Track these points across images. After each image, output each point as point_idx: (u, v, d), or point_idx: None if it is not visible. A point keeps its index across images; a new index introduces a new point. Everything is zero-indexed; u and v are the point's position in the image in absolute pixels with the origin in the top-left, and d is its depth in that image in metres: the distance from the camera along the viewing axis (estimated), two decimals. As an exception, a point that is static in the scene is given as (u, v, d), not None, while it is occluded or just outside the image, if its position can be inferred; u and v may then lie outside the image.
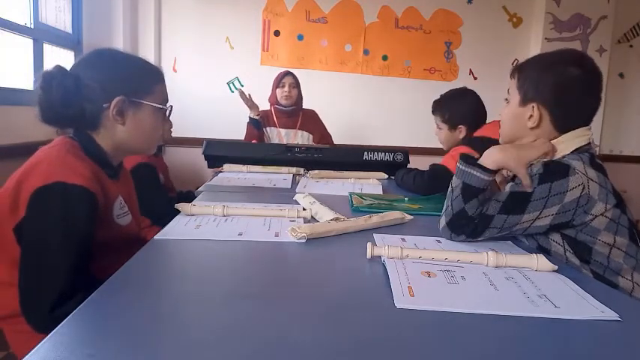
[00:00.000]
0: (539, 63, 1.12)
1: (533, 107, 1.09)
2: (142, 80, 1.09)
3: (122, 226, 1.07)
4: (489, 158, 1.04)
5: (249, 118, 2.67)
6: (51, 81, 0.98)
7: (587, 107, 1.10)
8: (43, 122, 1.00)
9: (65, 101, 0.98)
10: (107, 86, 1.02)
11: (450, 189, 1.07)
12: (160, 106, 1.11)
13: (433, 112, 2.00)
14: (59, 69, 1.00)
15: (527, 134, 1.12)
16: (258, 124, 2.66)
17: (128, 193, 1.17)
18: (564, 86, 1.07)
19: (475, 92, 1.93)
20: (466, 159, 1.05)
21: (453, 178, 1.07)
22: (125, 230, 1.08)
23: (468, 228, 1.03)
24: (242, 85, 3.42)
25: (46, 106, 0.99)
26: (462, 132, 1.89)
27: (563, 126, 1.08)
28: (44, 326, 0.89)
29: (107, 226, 1.02)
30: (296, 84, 2.71)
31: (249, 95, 2.67)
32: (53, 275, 0.91)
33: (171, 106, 1.17)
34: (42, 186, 0.92)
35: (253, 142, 2.62)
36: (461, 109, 1.89)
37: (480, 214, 1.02)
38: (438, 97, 2.00)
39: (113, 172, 1.09)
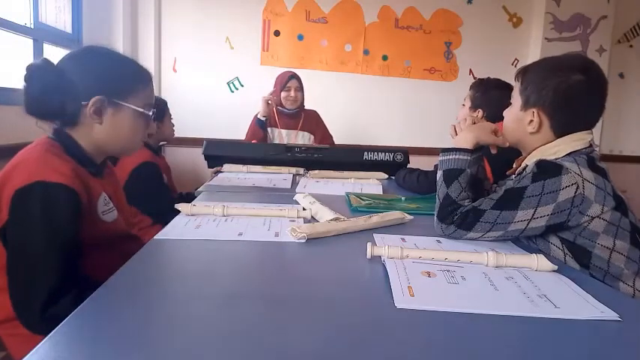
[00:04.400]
0: (543, 68, 1.12)
1: (533, 113, 1.10)
2: (126, 81, 1.07)
3: (108, 223, 1.06)
4: (464, 139, 1.15)
5: (257, 119, 2.66)
6: (33, 73, 0.99)
7: (588, 114, 1.10)
8: (27, 114, 1.00)
9: (44, 94, 0.98)
10: (88, 84, 1.02)
11: (437, 186, 1.12)
12: (142, 110, 1.08)
13: (471, 88, 1.95)
14: (44, 62, 1.01)
15: (528, 138, 1.13)
16: (264, 125, 2.67)
17: (113, 191, 1.17)
18: (566, 94, 1.06)
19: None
20: (443, 150, 1.15)
21: (437, 173, 1.13)
22: (112, 227, 1.08)
23: (455, 216, 1.04)
24: (242, 85, 3.42)
25: (27, 98, 0.99)
26: (479, 114, 1.85)
27: (562, 131, 1.09)
28: (39, 327, 0.89)
29: (93, 223, 1.02)
30: (300, 87, 2.70)
31: (270, 102, 2.65)
32: (41, 275, 0.90)
33: (154, 110, 1.13)
34: (22, 186, 0.91)
35: (253, 142, 2.62)
36: (491, 96, 1.83)
37: (473, 208, 1.03)
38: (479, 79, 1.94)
39: (96, 170, 1.08)
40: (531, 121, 1.10)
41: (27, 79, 0.99)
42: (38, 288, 0.90)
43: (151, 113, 1.11)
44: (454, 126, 1.27)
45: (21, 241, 0.92)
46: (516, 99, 1.15)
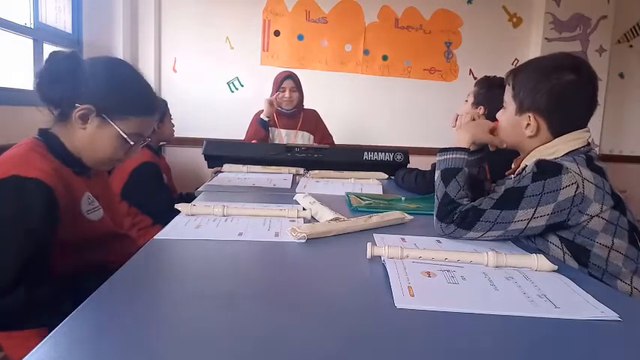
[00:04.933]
0: (533, 71, 1.12)
1: (529, 117, 1.10)
2: (123, 103, 1.06)
3: (94, 222, 1.07)
4: (462, 139, 1.18)
5: (260, 118, 2.66)
6: (54, 57, 1.03)
7: (583, 111, 1.10)
8: (37, 93, 1.03)
9: (51, 79, 1.01)
10: (88, 89, 1.02)
11: (435, 186, 1.14)
12: (125, 136, 1.06)
13: (476, 84, 1.98)
14: (71, 53, 1.05)
15: (527, 141, 1.13)
16: (267, 125, 2.67)
17: (101, 190, 1.17)
18: (560, 95, 1.07)
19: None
20: (440, 150, 1.17)
21: (435, 173, 1.15)
22: (98, 225, 1.08)
23: (455, 215, 1.04)
24: (242, 85, 3.42)
25: (39, 78, 1.03)
26: (480, 111, 1.88)
27: (560, 131, 1.09)
28: None
29: (76, 222, 1.01)
30: (296, 87, 2.69)
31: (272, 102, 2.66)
32: None
33: (144, 142, 1.14)
34: None
35: (253, 141, 2.62)
36: (494, 94, 1.80)
37: (473, 207, 1.03)
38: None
39: (81, 169, 1.08)
40: (528, 125, 1.10)
41: (47, 60, 1.03)
42: None
43: (132, 143, 1.08)
44: (457, 115, 1.29)
45: None
46: (509, 103, 1.15)
